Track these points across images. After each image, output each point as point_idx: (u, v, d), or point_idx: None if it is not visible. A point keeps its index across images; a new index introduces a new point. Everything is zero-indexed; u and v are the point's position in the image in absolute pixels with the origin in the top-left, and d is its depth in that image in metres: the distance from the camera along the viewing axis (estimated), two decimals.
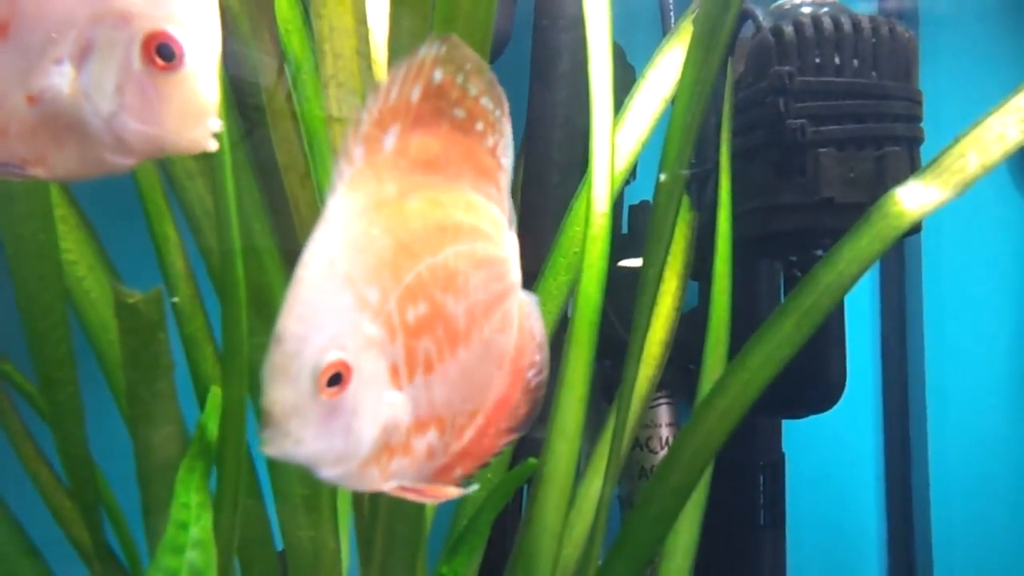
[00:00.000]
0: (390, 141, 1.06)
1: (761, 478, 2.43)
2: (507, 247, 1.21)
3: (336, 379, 0.97)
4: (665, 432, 2.47)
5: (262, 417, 0.96)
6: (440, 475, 1.15)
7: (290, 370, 0.96)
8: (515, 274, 1.23)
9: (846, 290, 1.66)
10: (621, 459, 1.80)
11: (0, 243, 1.45)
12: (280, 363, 0.96)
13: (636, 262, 2.31)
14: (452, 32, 1.31)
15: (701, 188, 2.35)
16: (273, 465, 1.71)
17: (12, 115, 1.01)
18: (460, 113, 1.13)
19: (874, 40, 2.05)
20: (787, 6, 2.24)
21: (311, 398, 0.97)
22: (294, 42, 1.88)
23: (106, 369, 1.67)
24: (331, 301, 0.99)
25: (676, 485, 1.67)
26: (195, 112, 1.03)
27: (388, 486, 1.08)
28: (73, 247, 1.68)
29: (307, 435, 0.97)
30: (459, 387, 1.13)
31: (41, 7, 1.00)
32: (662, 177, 1.68)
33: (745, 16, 2.23)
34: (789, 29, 2.06)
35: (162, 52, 1.00)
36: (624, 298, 2.04)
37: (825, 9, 2.19)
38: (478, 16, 1.32)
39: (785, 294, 2.32)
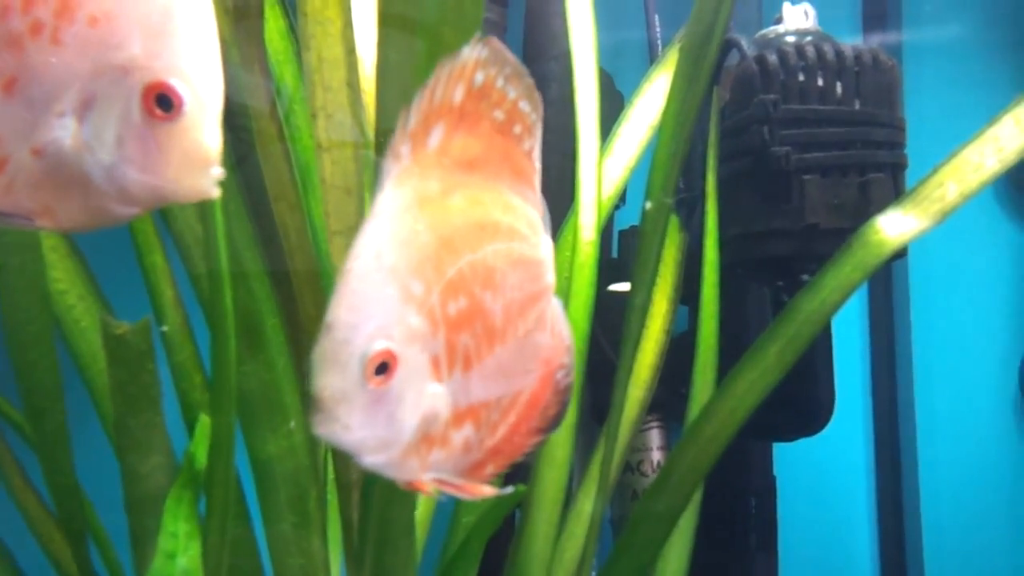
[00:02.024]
0: (434, 139, 1.09)
1: (752, 501, 2.42)
2: (543, 249, 1.23)
3: (383, 368, 1.00)
4: (657, 455, 2.46)
5: (312, 402, 0.98)
6: (473, 472, 1.17)
7: (340, 357, 0.98)
8: (549, 276, 1.24)
9: (828, 317, 1.66)
10: (611, 483, 1.79)
11: None
12: (330, 350, 0.99)
13: (626, 286, 2.31)
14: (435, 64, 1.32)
15: (691, 212, 2.35)
16: (262, 492, 1.70)
17: (18, 168, 1.03)
18: (499, 115, 1.15)
19: (857, 68, 2.05)
20: (771, 35, 2.25)
21: (359, 385, 0.99)
22: (286, 74, 1.88)
23: (95, 398, 1.67)
24: (379, 292, 1.02)
25: (663, 511, 1.67)
26: (197, 161, 1.03)
27: (426, 478, 1.09)
28: (63, 276, 1.67)
29: (354, 421, 0.99)
30: (495, 383, 1.15)
31: (44, 62, 1.01)
32: (648, 205, 1.68)
33: (730, 45, 2.24)
34: (773, 58, 2.06)
35: (162, 103, 1.01)
36: (615, 322, 2.04)
37: (808, 38, 2.20)
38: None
39: (774, 318, 2.32)
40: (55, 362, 1.49)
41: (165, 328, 1.62)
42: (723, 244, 2.06)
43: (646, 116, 2.20)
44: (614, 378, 1.82)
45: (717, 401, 1.67)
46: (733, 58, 2.28)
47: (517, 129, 1.18)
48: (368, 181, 1.83)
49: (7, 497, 1.66)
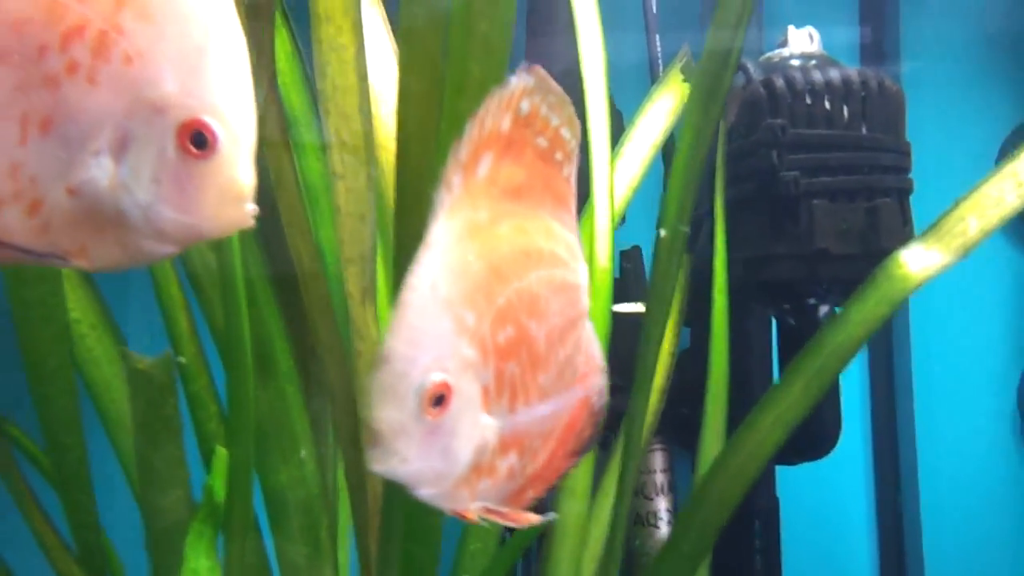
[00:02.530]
0: (483, 168, 1.10)
1: (756, 523, 2.42)
2: (580, 274, 1.24)
3: (439, 400, 1.01)
4: (660, 478, 2.46)
5: (369, 435, 0.99)
6: (514, 498, 1.17)
7: (397, 390, 0.99)
8: (585, 300, 1.26)
9: (854, 352, 1.67)
10: (627, 511, 1.78)
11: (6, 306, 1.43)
12: (387, 383, 0.99)
13: (629, 307, 2.31)
14: (463, 97, 1.32)
15: (695, 232, 2.35)
16: (274, 522, 1.69)
17: (53, 208, 1.02)
18: (543, 142, 1.16)
19: (863, 93, 2.06)
20: (776, 59, 2.26)
21: (416, 418, 1.00)
22: (293, 98, 1.88)
23: (109, 428, 1.65)
24: (434, 324, 1.02)
25: (689, 552, 1.67)
26: (231, 197, 1.03)
27: (475, 507, 1.10)
28: (76, 305, 1.66)
29: (411, 454, 1.00)
30: (539, 410, 1.16)
31: (80, 102, 1.00)
32: (662, 233, 1.68)
33: (736, 68, 2.24)
34: (780, 82, 2.07)
35: (196, 141, 1.00)
36: (617, 343, 2.04)
37: (813, 62, 2.21)
38: (487, 84, 1.33)
39: (779, 341, 2.32)
40: (75, 396, 1.48)
41: (182, 359, 1.61)
42: (729, 267, 2.06)
43: (648, 136, 2.22)
44: (620, 400, 1.82)
45: (742, 435, 1.67)
46: (737, 80, 2.29)
47: (558, 156, 1.19)
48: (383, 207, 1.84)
49: (27, 533, 1.64)
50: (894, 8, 2.88)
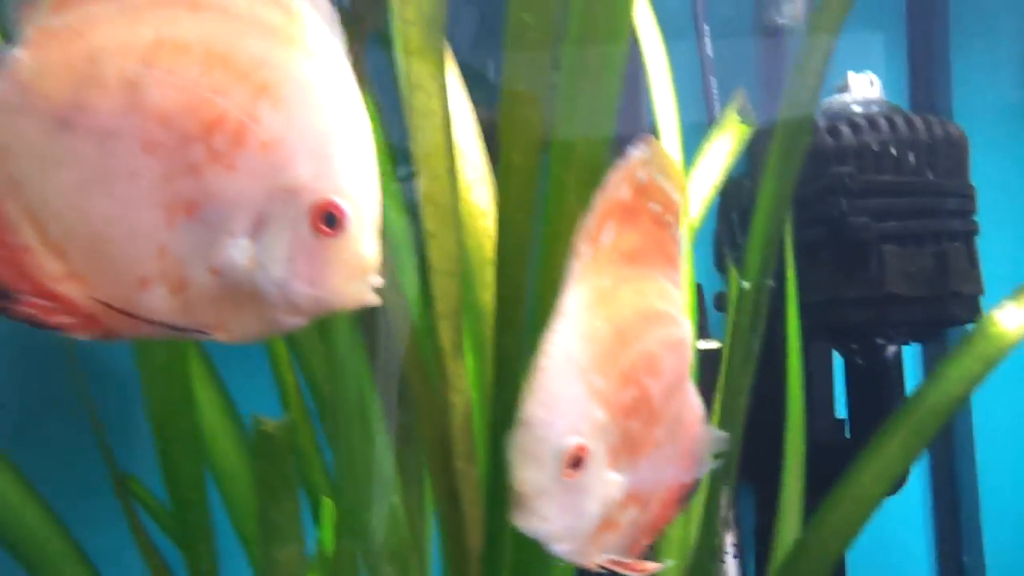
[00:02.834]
0: (607, 237, 1.18)
1: None
2: (687, 329, 1.31)
3: (575, 462, 1.08)
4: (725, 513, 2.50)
5: (512, 496, 1.07)
6: (631, 548, 1.24)
7: (537, 453, 1.08)
8: (691, 354, 1.32)
9: (953, 409, 1.71)
10: (717, 545, 1.83)
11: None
12: (528, 447, 1.08)
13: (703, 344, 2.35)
14: (569, 170, 1.38)
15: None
16: (370, 571, 1.74)
17: (197, 286, 1.09)
18: (656, 207, 1.24)
19: (929, 139, 2.11)
20: (836, 105, 2.30)
21: (555, 480, 1.08)
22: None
23: (222, 484, 1.71)
24: (569, 389, 1.10)
25: None
26: (358, 271, 1.09)
27: (601, 559, 1.17)
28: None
29: (551, 513, 1.09)
30: (655, 464, 1.23)
31: (221, 187, 1.07)
32: (745, 285, 1.73)
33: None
34: (847, 130, 2.12)
35: (327, 220, 1.07)
36: None
37: (875, 107, 2.25)
38: (592, 159, 1.39)
39: (846, 380, 2.36)
40: (200, 455, 1.54)
41: (289, 413, 1.67)
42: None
43: (708, 177, 2.26)
44: None
45: (843, 489, 1.72)
46: None
47: (669, 218, 1.27)
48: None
49: None
50: (943, 54, 2.91)
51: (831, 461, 2.02)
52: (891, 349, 2.28)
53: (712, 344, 2.29)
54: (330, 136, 1.09)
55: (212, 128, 1.07)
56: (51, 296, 1.13)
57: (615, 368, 1.14)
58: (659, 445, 1.22)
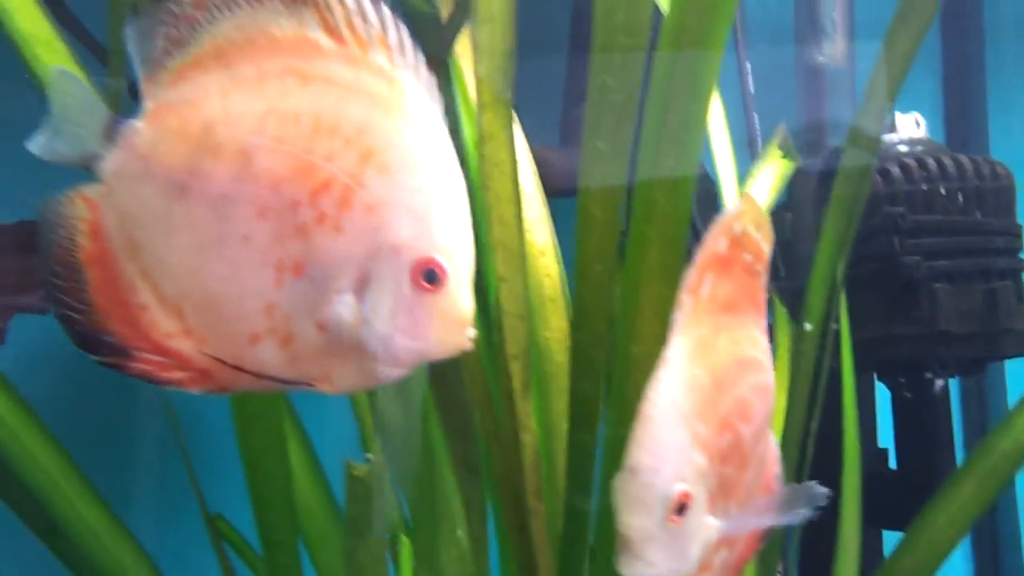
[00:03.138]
0: (706, 288, 1.24)
1: None
2: (772, 374, 1.36)
3: (680, 508, 1.14)
4: None
5: (619, 542, 1.12)
6: None
7: (644, 500, 1.13)
8: (773, 398, 1.38)
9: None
10: None
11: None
12: (635, 493, 1.14)
13: None
14: (650, 224, 1.43)
15: (796, 300, 2.44)
16: None
17: (304, 341, 1.15)
18: (748, 257, 1.30)
19: (977, 179, 2.15)
20: (884, 145, 2.34)
21: (661, 525, 1.13)
22: None
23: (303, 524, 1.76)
24: (674, 437, 1.16)
25: None
26: (456, 324, 1.14)
27: None
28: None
29: (657, 558, 1.14)
30: (745, 506, 1.28)
31: (327, 248, 1.12)
32: (807, 327, 1.78)
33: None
34: (896, 170, 2.16)
35: (428, 277, 1.12)
36: None
37: (920, 147, 2.29)
38: (673, 215, 1.43)
39: (893, 412, 2.39)
40: (291, 497, 1.59)
41: (369, 455, 1.72)
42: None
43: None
44: None
45: (916, 533, 1.75)
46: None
47: (758, 267, 1.32)
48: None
49: None
50: (979, 92, 2.94)
51: (874, 490, 2.07)
52: (939, 383, 2.31)
53: None
54: (429, 197, 1.14)
55: (320, 192, 1.12)
56: (166, 353, 1.18)
57: (714, 415, 1.19)
58: (748, 487, 1.27)
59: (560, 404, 2.03)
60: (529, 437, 1.80)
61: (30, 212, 2.09)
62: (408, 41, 1.15)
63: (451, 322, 1.14)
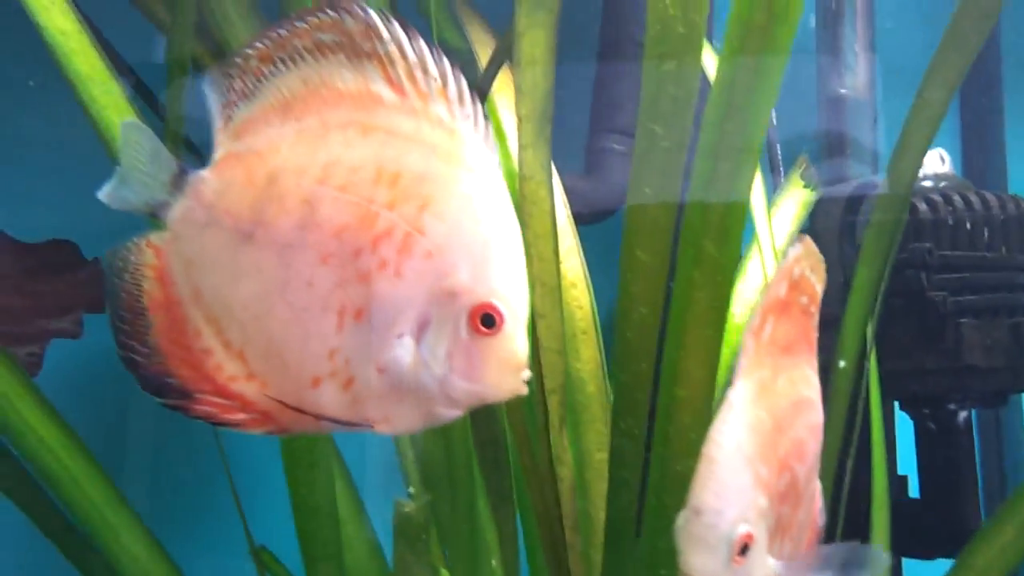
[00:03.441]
0: (767, 331, 1.27)
1: None
2: (822, 413, 1.38)
3: (743, 548, 1.16)
4: None
5: None
6: None
7: (708, 540, 1.16)
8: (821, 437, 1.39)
9: None
10: None
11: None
12: (699, 534, 1.16)
13: None
14: (698, 269, 1.46)
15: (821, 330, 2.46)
16: None
17: (364, 384, 1.17)
18: (804, 300, 1.33)
19: (1002, 215, 2.17)
20: None
21: (725, 566, 1.16)
22: None
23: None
24: (738, 479, 1.19)
25: None
26: (512, 366, 1.17)
27: None
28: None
29: None
30: (798, 543, 1.31)
31: (388, 293, 1.15)
32: (842, 364, 1.80)
33: (873, 186, 2.35)
34: (924, 207, 2.18)
35: (486, 321, 1.14)
36: None
37: (944, 183, 2.32)
38: (722, 261, 1.46)
39: (916, 442, 2.41)
40: (337, 533, 1.61)
41: (411, 489, 1.75)
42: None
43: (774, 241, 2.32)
44: None
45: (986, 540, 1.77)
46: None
47: (812, 308, 1.35)
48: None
49: None
50: (997, 127, 2.96)
51: (895, 518, 2.08)
52: (962, 414, 2.33)
53: None
54: (487, 243, 1.16)
55: (381, 239, 1.15)
56: (229, 395, 1.21)
57: (774, 456, 1.22)
58: (800, 525, 1.30)
59: (592, 434, 2.06)
60: (566, 471, 1.82)
61: (57, 231, 2.14)
62: (467, 92, 1.18)
63: (507, 365, 1.16)
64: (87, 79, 1.71)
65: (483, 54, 2.20)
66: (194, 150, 1.87)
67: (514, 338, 1.16)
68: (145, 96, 1.82)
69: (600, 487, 1.95)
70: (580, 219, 2.20)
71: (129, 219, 1.24)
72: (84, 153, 2.16)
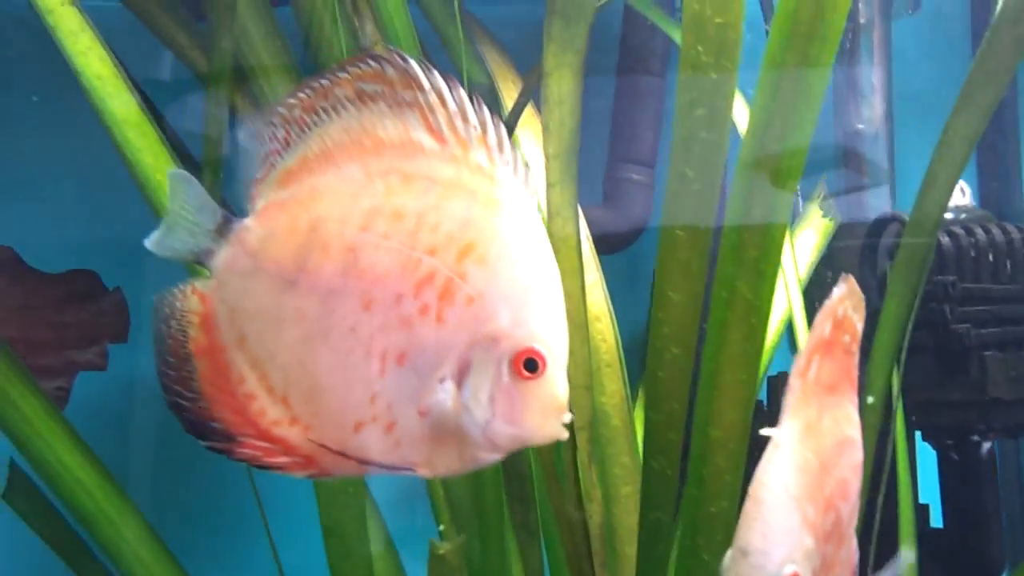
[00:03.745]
0: (812, 371, 1.27)
1: None
2: (862, 450, 1.39)
3: None
4: None
5: None
6: None
7: None
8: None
9: None
10: None
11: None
12: (746, 574, 1.16)
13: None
14: (730, 311, 1.47)
15: None
16: None
17: (405, 428, 1.18)
18: (847, 339, 1.34)
19: (1022, 246, 2.18)
20: None
21: None
22: None
23: None
24: (785, 520, 1.19)
25: None
26: (553, 411, 1.17)
27: None
28: None
29: None
30: None
31: (429, 338, 1.16)
32: (870, 400, 1.81)
33: (893, 219, 2.36)
34: (946, 239, 2.19)
35: (528, 365, 1.15)
36: None
37: (965, 215, 2.32)
38: (756, 303, 1.47)
39: (940, 473, 2.41)
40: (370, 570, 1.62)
41: (441, 527, 1.75)
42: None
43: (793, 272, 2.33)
44: None
45: None
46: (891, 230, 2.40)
47: (854, 346, 1.36)
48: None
49: None
50: (1015, 156, 2.97)
51: (918, 546, 2.08)
52: (985, 445, 2.34)
53: None
54: (527, 288, 1.18)
55: (423, 285, 1.16)
56: (272, 439, 1.22)
57: (821, 497, 1.23)
58: (841, 563, 1.30)
59: (618, 468, 2.06)
60: (596, 508, 1.82)
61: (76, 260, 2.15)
62: (506, 139, 1.19)
63: (549, 408, 1.17)
64: (123, 122, 1.73)
65: (504, 88, 2.22)
66: (193, 163, 1.88)
67: (556, 382, 1.17)
68: (151, 112, 1.84)
69: (628, 522, 1.95)
70: (598, 249, 2.21)
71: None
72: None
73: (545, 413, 1.17)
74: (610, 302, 2.13)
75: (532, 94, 2.01)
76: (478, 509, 1.86)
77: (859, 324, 1.34)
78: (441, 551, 1.43)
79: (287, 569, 1.91)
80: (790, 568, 1.16)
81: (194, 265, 1.27)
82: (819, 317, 1.29)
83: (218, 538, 2.36)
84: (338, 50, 1.86)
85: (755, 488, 1.20)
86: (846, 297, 1.31)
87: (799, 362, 1.26)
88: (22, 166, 2.41)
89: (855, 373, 1.37)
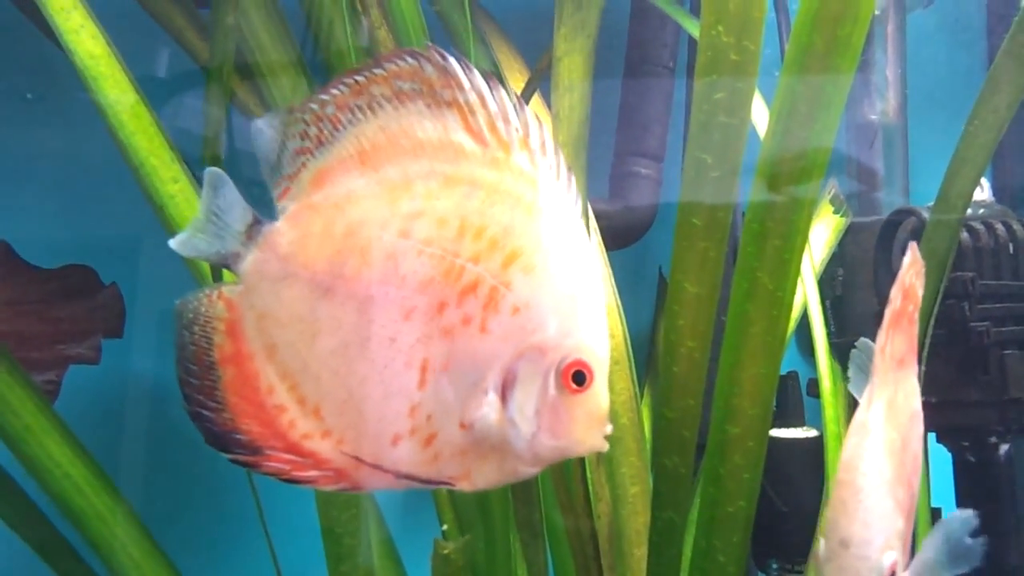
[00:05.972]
0: (889, 348, 1.32)
1: None
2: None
3: None
4: None
5: None
6: None
7: (859, 572, 1.19)
8: None
9: None
10: None
11: None
12: (850, 566, 1.20)
13: (789, 432, 2.45)
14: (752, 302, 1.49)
15: (844, 359, 2.50)
16: None
17: (445, 440, 1.20)
18: (911, 308, 1.38)
19: None
20: None
21: None
22: None
23: None
24: (882, 505, 1.22)
25: None
26: (596, 422, 1.20)
27: None
28: None
29: None
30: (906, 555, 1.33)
31: (473, 348, 1.18)
32: None
33: (909, 213, 2.39)
34: (965, 235, 2.22)
35: (577, 378, 1.17)
36: (775, 467, 2.18)
37: (984, 210, 2.35)
38: (778, 294, 1.49)
39: (955, 474, 2.46)
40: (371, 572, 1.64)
41: (445, 526, 1.78)
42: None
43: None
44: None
45: None
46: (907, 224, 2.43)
47: (916, 316, 1.40)
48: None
49: None
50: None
51: None
52: (1003, 447, 2.38)
53: (811, 432, 2.40)
54: (573, 297, 1.20)
55: (466, 294, 1.18)
56: (302, 453, 1.22)
57: (904, 476, 1.27)
58: (908, 537, 1.33)
59: (626, 467, 2.09)
60: (604, 508, 1.85)
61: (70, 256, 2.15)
62: (549, 141, 1.20)
63: (593, 421, 1.20)
64: (116, 103, 1.73)
65: (511, 79, 2.23)
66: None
67: (601, 394, 1.20)
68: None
69: (635, 522, 1.98)
70: (607, 245, 2.23)
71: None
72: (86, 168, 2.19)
73: (590, 426, 1.20)
74: (618, 298, 2.15)
75: (541, 81, 2.02)
76: (482, 509, 1.88)
77: (920, 291, 1.38)
78: (445, 551, 1.45)
79: (285, 570, 1.93)
80: (891, 556, 1.20)
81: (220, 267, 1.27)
82: (893, 291, 1.32)
83: (213, 536, 2.37)
84: (341, 33, 1.85)
85: (850, 475, 1.22)
86: (911, 265, 1.35)
87: (881, 338, 1.29)
88: (14, 162, 2.40)
89: (916, 343, 1.40)
